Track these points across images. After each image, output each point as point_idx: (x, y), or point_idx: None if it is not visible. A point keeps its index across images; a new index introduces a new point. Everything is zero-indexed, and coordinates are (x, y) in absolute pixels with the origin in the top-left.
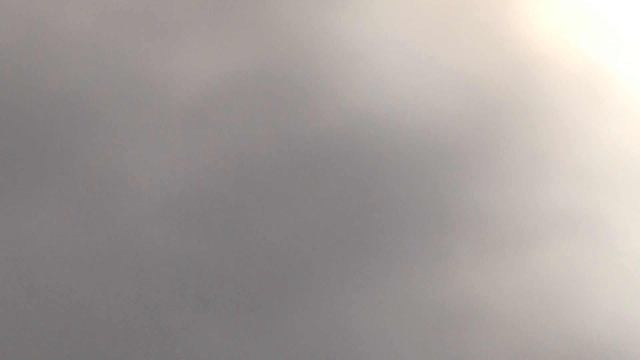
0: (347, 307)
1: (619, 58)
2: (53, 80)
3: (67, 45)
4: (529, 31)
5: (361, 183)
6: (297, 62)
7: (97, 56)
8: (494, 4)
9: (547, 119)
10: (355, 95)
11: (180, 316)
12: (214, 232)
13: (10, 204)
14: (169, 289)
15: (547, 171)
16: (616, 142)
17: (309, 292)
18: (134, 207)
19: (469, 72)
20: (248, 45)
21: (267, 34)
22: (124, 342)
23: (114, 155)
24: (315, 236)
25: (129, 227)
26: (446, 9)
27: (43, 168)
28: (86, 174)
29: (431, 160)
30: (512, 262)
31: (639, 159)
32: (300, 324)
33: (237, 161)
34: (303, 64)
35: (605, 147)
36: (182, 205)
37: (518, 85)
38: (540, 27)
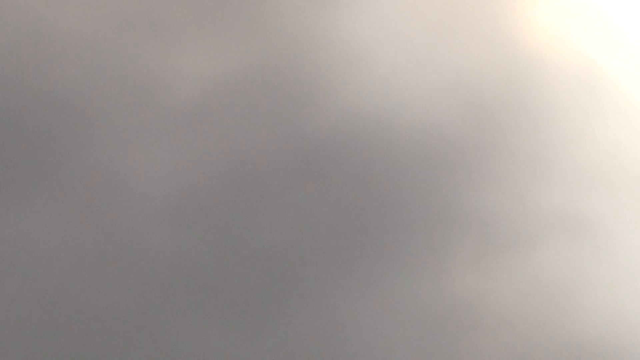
0: (347, 308)
1: (619, 58)
2: (53, 81)
3: (66, 45)
4: (528, 31)
5: (361, 183)
6: (297, 63)
7: (97, 56)
8: (493, 4)
9: (546, 119)
10: (355, 95)
11: (181, 316)
12: (214, 232)
13: (9, 204)
14: (169, 289)
15: (547, 172)
16: (616, 142)
17: (309, 292)
18: (133, 207)
19: (469, 73)
20: (248, 46)
21: (267, 34)
22: (124, 342)
23: (113, 155)
24: (315, 236)
25: (129, 227)
26: (446, 10)
27: (42, 168)
28: (86, 174)
29: (431, 160)
30: (511, 262)
31: (639, 160)
32: (300, 324)
33: (237, 161)
34: (303, 64)
35: (605, 147)
36: (182, 206)
37: (518, 85)
38: (540, 27)
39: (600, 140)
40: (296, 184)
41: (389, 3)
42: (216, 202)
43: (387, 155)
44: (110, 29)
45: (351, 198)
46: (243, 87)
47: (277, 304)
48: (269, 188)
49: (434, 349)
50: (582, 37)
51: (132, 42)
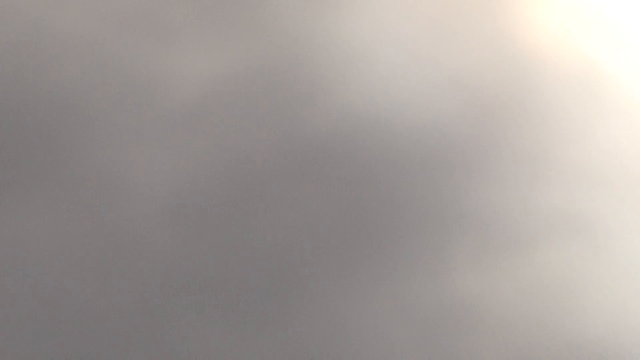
0: (347, 308)
1: (619, 58)
2: (53, 81)
3: (66, 45)
4: (528, 31)
5: (361, 183)
6: (297, 62)
7: (97, 56)
8: (493, 4)
9: (547, 119)
10: (355, 95)
11: (181, 316)
12: (214, 232)
13: (9, 204)
14: (169, 289)
15: (547, 171)
16: (616, 142)
17: (309, 292)
18: (133, 207)
19: (469, 72)
20: (248, 46)
21: (267, 34)
22: (124, 342)
23: (113, 155)
24: (315, 236)
25: (129, 227)
26: (446, 9)
27: (42, 168)
28: (86, 174)
29: (431, 160)
30: (512, 262)
31: (639, 160)
32: (300, 324)
33: (237, 161)
34: (303, 64)
35: (605, 147)
36: (182, 206)
37: (518, 85)
38: (540, 27)
39: (601, 140)
40: (296, 184)
41: (389, 3)
42: (216, 202)
43: (387, 155)
44: (110, 29)
45: (351, 198)
46: (243, 87)
47: (277, 304)
48: (269, 188)
49: (434, 349)
50: (582, 37)
51: (132, 42)
